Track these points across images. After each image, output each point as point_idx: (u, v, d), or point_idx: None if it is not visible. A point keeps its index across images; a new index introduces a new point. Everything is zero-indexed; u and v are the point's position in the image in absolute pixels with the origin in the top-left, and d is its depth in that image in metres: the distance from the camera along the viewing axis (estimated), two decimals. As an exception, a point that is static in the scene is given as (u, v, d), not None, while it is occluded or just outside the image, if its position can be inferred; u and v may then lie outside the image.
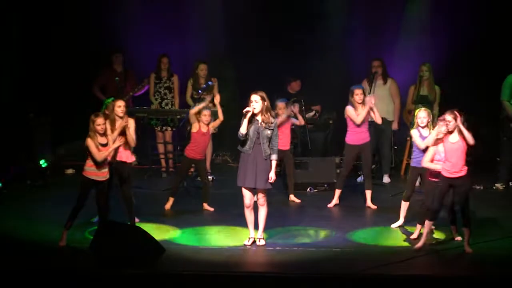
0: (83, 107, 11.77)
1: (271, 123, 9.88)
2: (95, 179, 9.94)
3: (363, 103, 12.00)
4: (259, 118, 9.87)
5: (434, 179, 9.94)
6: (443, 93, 13.97)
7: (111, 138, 10.22)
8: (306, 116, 14.51)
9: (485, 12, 14.71)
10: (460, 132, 9.60)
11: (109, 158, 10.09)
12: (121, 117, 10.54)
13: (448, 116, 9.65)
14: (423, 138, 10.44)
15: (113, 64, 14.95)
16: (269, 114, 9.89)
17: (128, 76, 14.95)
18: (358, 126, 11.99)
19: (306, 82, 15.14)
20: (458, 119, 9.61)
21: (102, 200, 10.03)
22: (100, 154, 9.88)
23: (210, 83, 14.22)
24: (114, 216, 10.41)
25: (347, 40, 15.36)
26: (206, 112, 12.01)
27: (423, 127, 10.57)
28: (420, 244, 9.78)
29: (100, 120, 9.92)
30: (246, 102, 9.90)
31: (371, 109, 11.98)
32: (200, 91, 14.21)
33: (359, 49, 15.17)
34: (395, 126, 14.24)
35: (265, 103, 9.86)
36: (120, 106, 10.56)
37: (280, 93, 14.44)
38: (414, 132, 10.64)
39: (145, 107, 14.72)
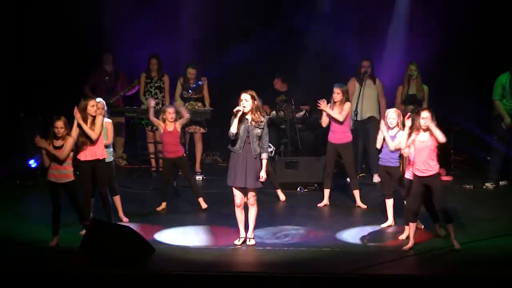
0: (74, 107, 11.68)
1: (261, 121, 9.89)
2: (58, 182, 9.93)
3: (340, 102, 12.03)
4: (248, 117, 9.87)
5: (410, 178, 9.98)
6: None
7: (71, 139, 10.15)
8: (296, 115, 14.53)
9: (474, 11, 14.71)
10: (430, 131, 9.60)
11: (60, 157, 9.94)
12: (93, 116, 10.51)
13: (426, 113, 9.65)
14: (392, 138, 10.44)
15: (104, 63, 14.96)
16: (259, 113, 9.91)
17: (119, 76, 14.96)
18: (340, 124, 12.04)
19: (296, 81, 15.15)
20: (429, 117, 9.60)
21: (72, 201, 10.01)
22: (45, 158, 9.92)
23: (200, 82, 14.27)
24: (103, 216, 10.41)
25: (337, 39, 15.35)
26: (170, 110, 12.01)
27: (392, 128, 10.57)
28: (409, 245, 9.78)
29: (59, 123, 9.92)
30: (235, 102, 9.92)
31: (325, 111, 12.04)
32: (190, 90, 14.25)
33: (348, 48, 15.16)
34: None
35: (255, 102, 9.88)
36: (93, 106, 10.52)
37: (268, 91, 14.46)
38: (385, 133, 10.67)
39: (135, 107, 14.72)
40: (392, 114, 10.64)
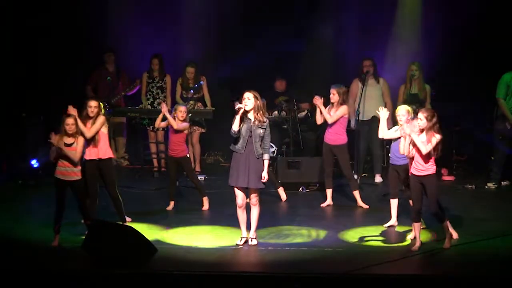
0: (76, 107, 11.68)
1: (264, 122, 9.88)
2: (65, 179, 9.92)
3: (337, 103, 12.03)
4: (251, 116, 9.87)
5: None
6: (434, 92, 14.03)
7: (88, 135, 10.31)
8: (298, 115, 14.53)
9: (477, 11, 14.69)
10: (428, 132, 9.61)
11: (74, 158, 9.97)
12: (90, 117, 10.49)
13: (421, 114, 9.65)
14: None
15: (105, 63, 14.96)
16: (261, 113, 9.90)
17: (121, 76, 14.96)
18: (333, 124, 12.07)
19: (298, 82, 15.15)
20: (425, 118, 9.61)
21: (79, 200, 10.00)
22: (53, 154, 9.88)
23: (201, 82, 14.26)
24: (106, 216, 10.40)
25: (339, 39, 15.35)
26: (182, 108, 12.01)
27: (401, 125, 10.56)
28: (416, 245, 9.77)
29: (69, 120, 9.92)
30: (238, 102, 9.92)
31: (318, 107, 12.08)
32: (191, 90, 14.24)
33: (350, 48, 15.17)
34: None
35: (258, 102, 9.87)
36: (91, 107, 10.52)
37: (269, 92, 14.46)
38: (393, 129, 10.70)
39: (137, 107, 14.72)
40: (401, 111, 10.59)
